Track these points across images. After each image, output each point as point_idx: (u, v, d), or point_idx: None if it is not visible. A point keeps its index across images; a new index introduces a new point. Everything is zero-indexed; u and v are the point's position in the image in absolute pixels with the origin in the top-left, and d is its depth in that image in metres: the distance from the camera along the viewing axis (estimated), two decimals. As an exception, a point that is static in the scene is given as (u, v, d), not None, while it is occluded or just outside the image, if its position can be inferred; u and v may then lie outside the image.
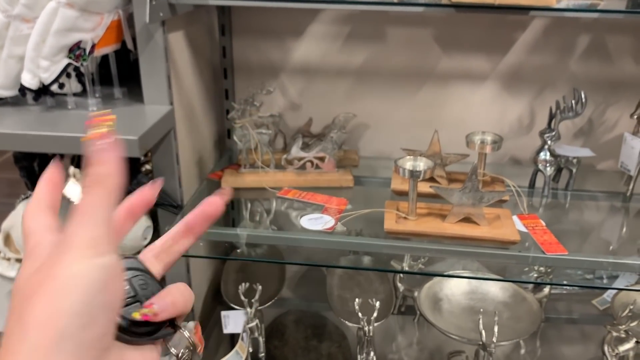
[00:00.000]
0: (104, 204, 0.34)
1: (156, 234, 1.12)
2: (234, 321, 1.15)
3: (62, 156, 1.34)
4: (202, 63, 1.22)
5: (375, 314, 1.07)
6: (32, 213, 0.38)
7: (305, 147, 1.21)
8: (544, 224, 1.03)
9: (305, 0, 1.00)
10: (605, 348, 1.08)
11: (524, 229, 1.01)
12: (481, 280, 1.25)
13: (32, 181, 1.25)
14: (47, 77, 0.95)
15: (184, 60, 1.11)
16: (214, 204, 0.43)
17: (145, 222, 1.07)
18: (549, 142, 1.14)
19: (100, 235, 0.34)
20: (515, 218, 1.04)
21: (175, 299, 0.39)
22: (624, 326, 1.07)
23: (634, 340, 1.09)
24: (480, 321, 1.05)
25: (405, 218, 1.02)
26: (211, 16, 1.27)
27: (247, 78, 1.33)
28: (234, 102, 1.17)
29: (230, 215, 1.24)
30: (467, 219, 1.00)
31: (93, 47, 0.96)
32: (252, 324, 1.13)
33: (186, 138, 1.12)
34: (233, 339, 1.40)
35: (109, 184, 0.34)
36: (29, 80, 0.95)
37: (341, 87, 1.33)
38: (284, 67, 1.33)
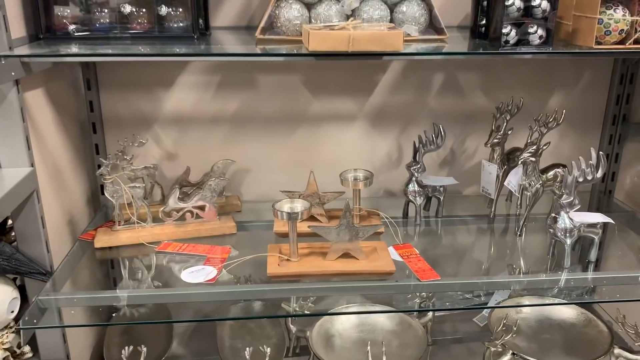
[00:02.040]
0: None
1: (24, 304, 1.04)
2: (119, 389, 1.08)
3: None
4: (67, 119, 1.17)
5: (267, 360, 1.06)
6: None
7: (185, 196, 1.19)
8: (417, 252, 1.09)
9: (168, 54, 0.99)
10: (485, 364, 1.15)
11: (399, 259, 1.06)
12: (368, 313, 1.28)
13: None
14: None
15: (45, 118, 1.05)
16: None
17: (11, 294, 0.99)
18: (415, 174, 1.21)
19: None
20: (391, 249, 1.08)
21: None
22: (500, 340, 1.14)
23: (510, 352, 1.16)
24: (369, 354, 1.07)
25: (287, 260, 1.03)
26: (75, 71, 1.23)
27: (118, 131, 1.30)
28: (104, 158, 1.13)
29: (110, 275, 1.18)
30: (346, 255, 1.03)
31: (-64, 110, 0.89)
32: (139, 389, 1.07)
33: (53, 199, 1.06)
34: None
35: None
36: None
37: (217, 133, 1.34)
38: (156, 118, 1.31)
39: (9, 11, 0.89)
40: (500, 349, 1.15)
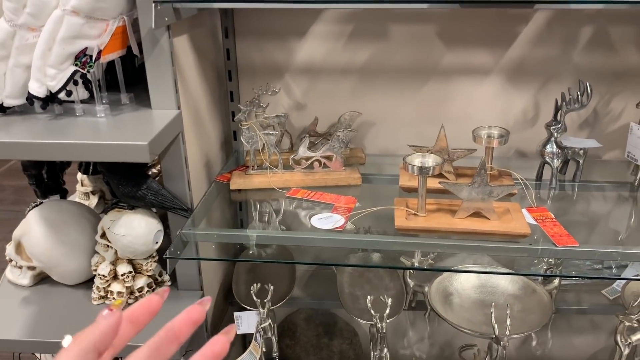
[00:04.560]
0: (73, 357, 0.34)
1: (167, 237, 1.12)
2: (247, 322, 1.15)
3: (69, 163, 1.35)
4: (207, 66, 1.22)
5: (387, 311, 1.08)
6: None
7: (312, 146, 1.21)
8: (553, 216, 1.03)
9: (306, 0, 1.00)
10: (618, 338, 1.09)
11: (533, 222, 1.01)
12: (491, 274, 1.26)
13: (40, 189, 1.25)
14: (55, 85, 0.95)
15: (189, 63, 1.11)
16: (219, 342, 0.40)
17: (156, 226, 1.08)
18: (555, 134, 1.14)
19: None
20: (524, 211, 1.04)
21: None
22: (635, 316, 1.07)
23: (646, 329, 1.09)
24: (493, 314, 1.05)
25: (415, 215, 1.02)
26: (214, 19, 1.27)
27: (252, 79, 1.34)
28: (240, 104, 1.18)
29: (239, 216, 1.25)
30: (477, 214, 1.01)
31: (99, 53, 0.97)
32: (265, 324, 1.14)
33: (194, 141, 1.12)
34: (245, 339, 1.41)
35: (85, 338, 0.34)
36: (37, 89, 0.96)
37: (345, 85, 1.34)
38: (288, 68, 1.33)
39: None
40: (635, 324, 1.08)
